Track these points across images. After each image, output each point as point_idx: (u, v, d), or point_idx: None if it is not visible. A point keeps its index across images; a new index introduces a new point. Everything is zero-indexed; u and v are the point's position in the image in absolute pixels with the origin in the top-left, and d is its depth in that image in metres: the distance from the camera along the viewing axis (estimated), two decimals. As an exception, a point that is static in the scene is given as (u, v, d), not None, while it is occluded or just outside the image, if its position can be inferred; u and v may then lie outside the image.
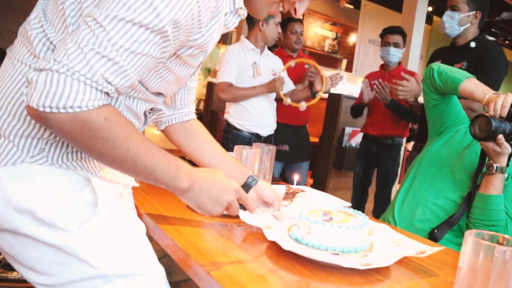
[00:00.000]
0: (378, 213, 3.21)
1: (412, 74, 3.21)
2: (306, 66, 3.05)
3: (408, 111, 3.03)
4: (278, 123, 3.15)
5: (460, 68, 2.21)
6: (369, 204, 3.38)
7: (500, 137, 1.31)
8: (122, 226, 0.87)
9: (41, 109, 0.65)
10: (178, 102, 1.13)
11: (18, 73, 0.80)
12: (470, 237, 0.67)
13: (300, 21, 3.34)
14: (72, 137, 0.69)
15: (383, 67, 3.27)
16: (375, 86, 3.00)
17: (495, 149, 1.35)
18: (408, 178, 1.72)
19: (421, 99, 2.23)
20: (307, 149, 3.37)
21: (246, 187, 1.16)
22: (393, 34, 3.10)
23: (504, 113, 1.32)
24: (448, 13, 2.26)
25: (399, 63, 3.21)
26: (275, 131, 3.10)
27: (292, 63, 2.76)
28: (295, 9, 0.92)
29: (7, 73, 0.81)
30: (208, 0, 0.75)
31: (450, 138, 1.68)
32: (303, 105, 2.75)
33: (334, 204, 1.16)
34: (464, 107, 1.90)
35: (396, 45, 3.09)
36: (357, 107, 3.25)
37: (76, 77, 0.65)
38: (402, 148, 3.22)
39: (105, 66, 0.67)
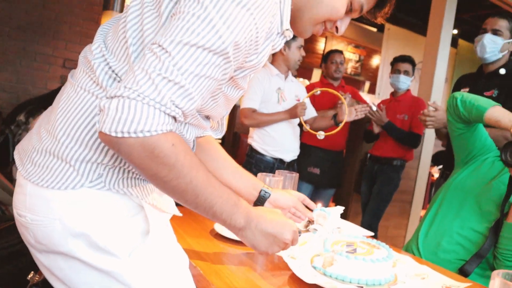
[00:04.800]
0: (365, 227, 3.19)
1: (417, 99, 3.33)
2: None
3: (405, 134, 3.14)
4: (312, 146, 3.17)
5: (491, 96, 2.16)
6: (395, 231, 3.35)
7: None
8: (169, 257, 0.88)
9: (113, 134, 0.66)
10: (224, 125, 1.12)
11: (81, 100, 0.82)
12: (497, 278, 0.66)
13: (341, 52, 3.41)
14: (140, 162, 0.70)
15: (392, 94, 3.40)
16: (368, 109, 3.07)
17: None
18: (433, 206, 1.70)
19: None
20: (337, 176, 3.38)
21: (260, 201, 1.17)
22: (403, 63, 3.25)
23: None
24: (490, 37, 2.18)
25: (407, 90, 3.33)
26: (307, 152, 3.12)
27: (317, 91, 2.77)
28: (336, 28, 0.95)
29: (70, 100, 0.83)
30: (264, 22, 0.77)
31: (477, 167, 1.65)
32: (321, 134, 2.75)
33: (357, 235, 1.16)
34: (500, 136, 1.88)
35: (406, 73, 3.23)
36: (369, 133, 3.37)
37: (146, 101, 0.66)
38: (402, 171, 3.32)
39: (172, 90, 0.68)
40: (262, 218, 0.87)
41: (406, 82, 3.25)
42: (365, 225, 3.21)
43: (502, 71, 2.21)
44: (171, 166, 0.71)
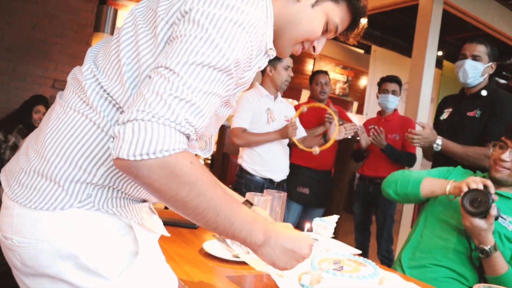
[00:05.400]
0: (383, 254, 3.23)
1: (407, 119, 3.37)
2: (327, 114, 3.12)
3: (403, 155, 3.17)
4: (301, 166, 3.19)
5: (474, 116, 2.23)
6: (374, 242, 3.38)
7: (494, 213, 1.33)
8: (158, 278, 0.88)
9: (131, 158, 0.65)
10: (212, 144, 1.12)
11: (71, 120, 0.83)
12: (477, 291, 0.68)
13: (325, 72, 3.47)
14: (160, 184, 0.69)
15: (380, 113, 3.44)
16: (371, 133, 3.15)
17: (482, 227, 1.35)
18: (416, 230, 1.70)
19: (435, 145, 2.24)
20: (326, 196, 3.39)
21: None
22: (391, 83, 3.30)
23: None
24: (471, 62, 2.25)
25: (395, 109, 3.37)
26: (296, 172, 3.13)
27: (304, 108, 2.81)
28: (314, 47, 1.00)
29: (60, 120, 0.84)
30: (256, 40, 0.81)
31: None
32: (316, 150, 2.77)
33: (345, 253, 1.17)
34: (481, 155, 2.01)
35: (394, 92, 3.28)
36: (358, 152, 3.39)
37: (162, 122, 0.67)
38: None
39: (185, 108, 0.69)
40: (280, 233, 0.85)
41: (394, 102, 3.29)
42: (383, 252, 3.21)
43: (484, 92, 2.28)
44: (192, 184, 0.70)
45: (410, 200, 1.70)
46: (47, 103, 3.87)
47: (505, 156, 1.53)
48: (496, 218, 1.39)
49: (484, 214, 1.35)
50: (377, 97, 3.38)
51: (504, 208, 1.52)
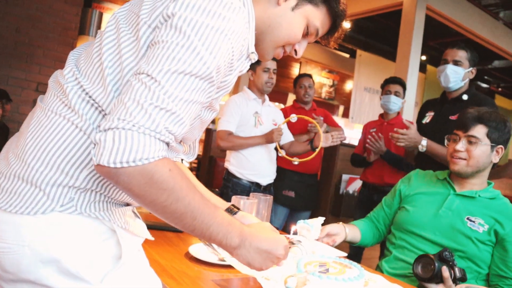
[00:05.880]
0: None
1: (410, 123, 3.30)
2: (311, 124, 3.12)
3: (404, 161, 3.06)
4: (287, 169, 3.20)
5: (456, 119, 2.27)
6: (369, 252, 3.37)
7: (447, 275, 1.30)
8: (141, 282, 0.88)
9: (112, 165, 0.68)
10: (196, 148, 1.13)
11: (52, 123, 0.82)
12: (458, 291, 0.69)
13: (309, 76, 3.46)
14: (139, 190, 0.71)
15: (382, 116, 3.33)
16: (368, 140, 3.06)
17: None
18: (396, 243, 1.69)
19: (421, 146, 2.27)
20: (312, 199, 3.40)
21: None
22: (394, 84, 3.20)
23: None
24: (452, 67, 2.30)
25: (398, 112, 3.28)
26: (282, 176, 3.14)
27: (294, 118, 2.82)
28: (295, 51, 1.01)
29: (41, 124, 0.83)
30: (238, 45, 0.83)
31: (418, 203, 1.68)
32: (295, 160, 2.80)
33: (330, 255, 1.18)
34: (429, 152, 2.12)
35: (397, 94, 3.17)
36: (357, 157, 3.29)
37: (142, 131, 0.69)
38: None
39: (165, 117, 0.71)
40: (255, 236, 0.88)
41: (397, 103, 3.17)
42: None
43: (465, 97, 2.34)
44: (170, 190, 0.73)
45: (377, 241, 1.83)
46: (3, 95, 3.77)
47: (459, 146, 1.56)
48: (463, 280, 1.34)
49: (439, 279, 1.31)
50: (380, 99, 3.27)
51: (470, 208, 1.53)
